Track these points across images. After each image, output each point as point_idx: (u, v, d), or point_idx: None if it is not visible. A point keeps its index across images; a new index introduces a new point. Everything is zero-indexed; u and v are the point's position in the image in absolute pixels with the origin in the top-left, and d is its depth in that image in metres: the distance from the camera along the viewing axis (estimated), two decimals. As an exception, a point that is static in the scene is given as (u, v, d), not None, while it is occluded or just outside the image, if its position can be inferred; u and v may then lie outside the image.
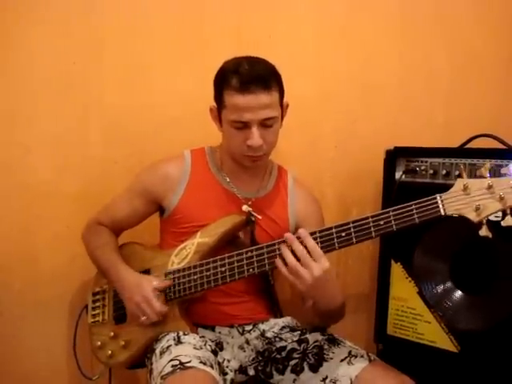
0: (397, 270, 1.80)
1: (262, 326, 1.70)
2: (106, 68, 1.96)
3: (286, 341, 1.65)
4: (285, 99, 1.63)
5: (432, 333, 1.74)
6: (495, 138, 1.75)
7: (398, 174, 1.80)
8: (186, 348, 1.47)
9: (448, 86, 2.08)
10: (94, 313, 1.76)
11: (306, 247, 1.39)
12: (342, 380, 1.47)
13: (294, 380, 1.55)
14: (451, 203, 1.33)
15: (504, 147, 1.73)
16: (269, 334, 1.68)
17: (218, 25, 2.01)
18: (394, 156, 1.81)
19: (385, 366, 1.51)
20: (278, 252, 1.45)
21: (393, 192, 1.79)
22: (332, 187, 2.07)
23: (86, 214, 1.86)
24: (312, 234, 1.42)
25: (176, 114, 1.98)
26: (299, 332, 1.66)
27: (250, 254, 1.49)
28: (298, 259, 1.39)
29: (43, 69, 1.92)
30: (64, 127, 1.95)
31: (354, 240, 1.39)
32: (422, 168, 1.76)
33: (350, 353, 1.53)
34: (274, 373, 1.60)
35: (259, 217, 1.64)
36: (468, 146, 1.82)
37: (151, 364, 1.51)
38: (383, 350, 1.84)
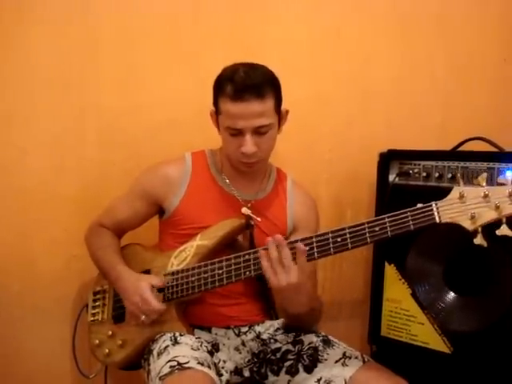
0: (390, 272, 1.82)
1: (257, 328, 1.71)
2: (102, 70, 1.97)
3: (280, 342, 1.66)
4: (283, 106, 1.64)
5: (425, 334, 1.75)
6: (487, 140, 1.77)
7: (391, 177, 1.82)
8: (184, 349, 1.48)
9: (443, 89, 2.09)
10: (93, 311, 1.78)
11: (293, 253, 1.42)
12: (336, 381, 1.48)
13: (289, 381, 1.56)
14: (446, 211, 1.34)
15: (496, 150, 1.75)
16: (264, 336, 1.70)
17: (214, 27, 2.02)
18: (388, 159, 1.83)
19: (379, 367, 1.53)
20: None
21: (386, 195, 1.81)
22: (327, 189, 2.08)
23: (83, 217, 1.87)
24: (308, 238, 1.44)
25: (173, 116, 1.99)
26: (294, 334, 1.67)
27: (247, 256, 1.51)
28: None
29: (40, 70, 1.92)
30: (61, 129, 1.95)
31: (350, 246, 1.41)
32: (416, 171, 1.78)
33: (344, 354, 1.54)
34: (269, 374, 1.61)
35: (258, 219, 1.65)
36: (461, 148, 1.84)
37: (149, 365, 1.53)
38: (377, 352, 1.86)
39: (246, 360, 1.66)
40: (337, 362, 1.52)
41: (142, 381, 1.57)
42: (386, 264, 1.83)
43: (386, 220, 1.38)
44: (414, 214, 1.36)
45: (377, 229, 1.38)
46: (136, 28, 1.98)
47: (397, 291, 1.81)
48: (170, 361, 1.41)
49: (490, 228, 1.31)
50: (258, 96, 1.52)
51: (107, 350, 1.69)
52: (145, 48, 1.99)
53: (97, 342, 1.72)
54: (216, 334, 1.68)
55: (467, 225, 1.31)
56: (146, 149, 1.98)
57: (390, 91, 2.09)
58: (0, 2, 1.87)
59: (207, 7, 2.02)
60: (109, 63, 1.97)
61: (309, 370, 1.55)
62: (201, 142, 1.79)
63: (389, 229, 1.37)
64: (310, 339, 1.62)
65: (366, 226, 1.40)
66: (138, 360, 1.64)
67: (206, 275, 1.56)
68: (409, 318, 1.79)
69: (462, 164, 1.70)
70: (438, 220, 1.34)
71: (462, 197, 1.33)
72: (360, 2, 2.09)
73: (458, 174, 1.62)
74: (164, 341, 1.53)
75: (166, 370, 1.39)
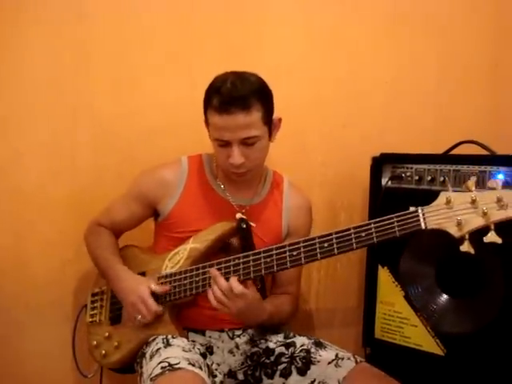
0: (384, 275, 1.83)
1: (251, 331, 1.72)
2: (96, 74, 1.98)
3: (271, 341, 1.68)
4: (276, 113, 1.65)
5: (418, 336, 1.76)
6: (479, 144, 1.78)
7: (384, 180, 1.82)
8: (175, 350, 1.50)
9: (436, 94, 2.10)
10: (92, 313, 1.80)
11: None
12: (329, 382, 1.50)
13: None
14: (432, 217, 1.32)
15: (488, 153, 1.76)
16: (256, 338, 1.71)
17: (209, 30, 2.03)
18: (380, 162, 1.84)
19: (371, 368, 1.54)
20: (263, 260, 1.49)
21: (379, 198, 1.82)
22: (320, 193, 2.09)
23: (77, 220, 1.89)
24: (296, 243, 1.46)
25: (167, 120, 2.00)
26: (283, 334, 1.69)
27: (236, 261, 1.52)
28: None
29: (35, 74, 1.93)
30: (55, 132, 1.96)
31: (336, 251, 1.41)
32: (408, 174, 1.79)
33: (336, 355, 1.55)
34: (264, 377, 1.62)
35: (253, 224, 1.66)
36: (453, 152, 1.85)
37: (141, 367, 1.54)
38: (371, 354, 1.87)
39: (240, 363, 1.68)
40: (330, 363, 1.54)
41: (136, 381, 1.57)
42: (380, 267, 1.83)
43: (372, 226, 1.38)
44: (399, 220, 1.35)
45: (363, 234, 1.38)
46: (130, 32, 1.99)
47: (390, 294, 1.82)
48: (161, 362, 1.43)
49: (480, 231, 1.29)
50: (243, 108, 1.52)
51: (104, 351, 1.71)
52: (139, 52, 2.00)
53: (94, 342, 1.74)
54: (210, 337, 1.69)
55: (454, 231, 1.29)
56: (140, 152, 1.99)
57: (382, 95, 2.10)
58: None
59: (202, 10, 2.03)
60: (103, 67, 1.98)
61: (302, 372, 1.56)
62: (195, 146, 1.80)
63: (374, 235, 1.37)
64: (302, 342, 1.63)
65: (352, 231, 1.40)
66: (133, 362, 1.66)
67: (197, 279, 1.57)
68: (402, 321, 1.80)
69: (453, 167, 1.71)
70: (423, 226, 1.33)
71: (448, 202, 1.31)
72: (354, 5, 2.09)
73: (447, 179, 1.61)
74: (156, 343, 1.55)
75: (157, 371, 1.40)
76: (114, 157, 1.99)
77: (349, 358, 1.54)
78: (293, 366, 1.58)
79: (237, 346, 1.69)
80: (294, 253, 1.45)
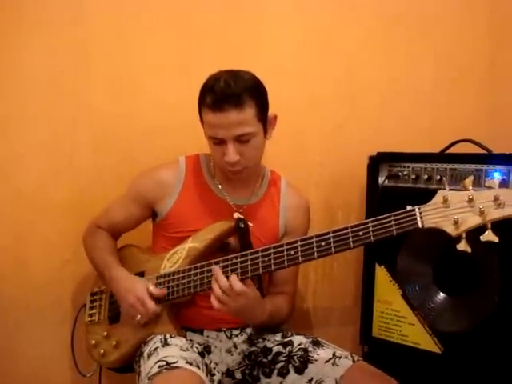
0: (381, 274, 1.83)
1: (249, 330, 1.73)
2: (96, 75, 1.99)
3: (268, 340, 1.68)
4: (271, 110, 1.66)
5: (416, 334, 1.77)
6: (475, 143, 1.79)
7: (381, 179, 1.83)
8: (173, 349, 1.50)
9: (432, 92, 2.10)
10: (90, 312, 1.80)
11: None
12: (327, 381, 1.50)
13: (281, 382, 1.58)
14: (429, 215, 1.32)
15: (484, 152, 1.77)
16: (254, 337, 1.72)
17: (206, 31, 2.04)
18: (377, 161, 1.84)
19: (369, 366, 1.54)
20: (260, 259, 1.49)
21: (376, 197, 1.82)
22: (318, 192, 2.09)
23: (77, 221, 1.90)
24: (294, 242, 1.47)
25: (166, 121, 2.01)
26: (281, 333, 1.69)
27: (234, 260, 1.52)
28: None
29: (34, 75, 1.94)
30: (55, 133, 1.97)
31: (333, 250, 1.42)
32: (405, 173, 1.79)
33: (334, 354, 1.56)
34: (261, 376, 1.63)
35: (250, 224, 1.66)
36: (449, 151, 1.86)
37: (139, 367, 1.55)
38: (369, 352, 1.87)
39: (238, 362, 1.68)
40: (327, 362, 1.54)
41: (135, 381, 1.58)
42: (377, 265, 1.84)
43: (370, 225, 1.38)
44: (397, 219, 1.36)
45: (360, 233, 1.39)
46: (130, 32, 2.00)
47: (387, 292, 1.82)
48: (158, 361, 1.44)
49: (477, 230, 1.29)
50: (235, 106, 1.53)
51: (102, 351, 1.72)
52: (138, 52, 2.01)
53: (93, 342, 1.75)
54: (208, 337, 1.70)
55: (450, 230, 1.29)
56: (139, 153, 1.99)
57: (379, 95, 2.10)
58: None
59: (200, 11, 2.03)
60: (102, 67, 1.99)
61: (300, 371, 1.56)
62: (194, 147, 1.81)
63: (372, 234, 1.37)
64: (300, 340, 1.64)
65: (350, 230, 1.40)
66: (131, 361, 1.66)
67: (195, 278, 1.58)
68: (399, 319, 1.80)
69: (450, 166, 1.72)
70: (420, 225, 1.33)
71: (445, 201, 1.31)
72: (350, 6, 2.10)
73: (444, 178, 1.61)
74: (154, 343, 1.55)
75: (155, 369, 1.41)
76: (114, 157, 2.00)
77: (346, 357, 1.55)
78: (290, 365, 1.59)
79: (235, 346, 1.70)
80: (292, 252, 1.46)
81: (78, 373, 1.85)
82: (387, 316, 1.83)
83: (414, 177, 1.77)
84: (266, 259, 1.49)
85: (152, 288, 1.61)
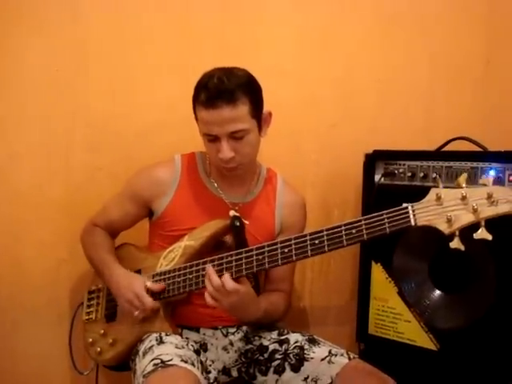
0: (377, 271, 1.84)
1: (245, 328, 1.73)
2: (91, 74, 1.99)
3: (265, 338, 1.69)
4: (266, 108, 1.66)
5: (412, 332, 1.77)
6: (471, 140, 1.79)
7: (377, 177, 1.83)
8: (168, 347, 1.51)
9: (428, 90, 2.10)
10: (88, 310, 1.81)
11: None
12: (322, 379, 1.51)
13: (277, 380, 1.59)
14: (422, 213, 1.32)
15: (480, 149, 1.77)
16: (250, 335, 1.72)
17: (202, 30, 2.04)
18: (373, 159, 1.84)
19: (364, 364, 1.54)
20: (255, 257, 1.50)
21: (372, 195, 1.82)
22: (314, 190, 2.09)
23: (72, 220, 1.90)
24: (287, 240, 1.47)
25: (161, 120, 2.01)
26: (277, 331, 1.70)
27: (229, 258, 1.52)
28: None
29: (30, 74, 1.95)
30: (50, 134, 1.97)
31: (326, 248, 1.42)
32: (401, 171, 1.80)
33: (330, 352, 1.56)
34: (258, 374, 1.64)
35: (246, 222, 1.66)
36: (445, 148, 1.86)
37: (135, 365, 1.55)
38: (365, 350, 1.87)
39: (234, 360, 1.69)
40: (323, 360, 1.54)
41: (131, 378, 1.59)
42: (373, 263, 1.84)
43: (363, 223, 1.38)
44: (390, 217, 1.35)
45: (353, 231, 1.38)
46: (127, 32, 2.00)
47: (384, 290, 1.82)
48: (153, 359, 1.44)
49: (471, 227, 1.29)
50: (229, 102, 1.53)
51: (99, 349, 1.73)
52: (135, 52, 2.01)
53: (90, 340, 1.76)
54: (204, 335, 1.70)
55: (443, 228, 1.29)
56: (134, 152, 2.00)
57: (375, 93, 2.10)
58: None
59: (198, 11, 2.03)
60: (99, 67, 1.99)
61: (296, 369, 1.57)
62: (190, 145, 1.81)
63: (365, 232, 1.37)
64: (296, 338, 1.64)
65: (343, 228, 1.40)
66: (128, 359, 1.67)
67: (191, 276, 1.58)
68: (396, 316, 1.81)
69: (446, 164, 1.72)
70: (413, 223, 1.33)
71: (439, 198, 1.30)
72: (345, 5, 2.10)
73: (437, 176, 1.60)
74: (150, 341, 1.56)
75: (150, 368, 1.41)
76: (110, 156, 2.00)
77: (342, 355, 1.55)
78: (286, 363, 1.59)
79: (231, 343, 1.70)
80: (286, 250, 1.46)
81: (75, 371, 1.86)
82: (383, 313, 1.83)
83: (409, 174, 1.78)
84: (260, 257, 1.49)
85: (150, 283, 1.61)
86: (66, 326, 1.89)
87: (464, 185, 1.30)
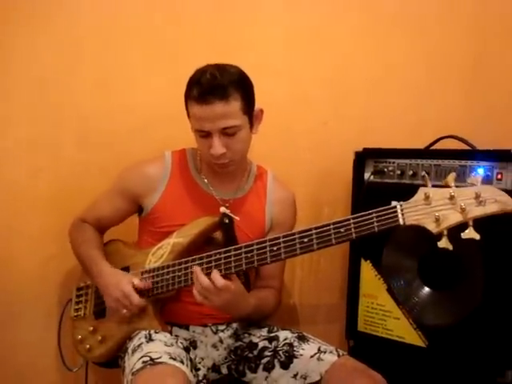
0: (366, 268, 1.84)
1: (235, 325, 1.74)
2: (80, 70, 1.98)
3: (254, 335, 1.69)
4: (258, 105, 1.66)
5: (401, 329, 1.78)
6: (460, 139, 1.80)
7: (366, 175, 1.84)
8: (157, 345, 1.51)
9: (417, 89, 2.10)
10: (76, 307, 1.81)
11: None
12: (312, 376, 1.51)
13: (266, 377, 1.59)
14: (411, 212, 1.32)
15: (468, 148, 1.78)
16: (239, 332, 1.73)
17: (192, 28, 2.03)
18: (363, 157, 1.85)
19: (353, 361, 1.55)
20: (244, 255, 1.50)
21: (362, 192, 1.83)
22: (304, 188, 2.09)
23: (61, 216, 1.90)
24: (276, 238, 1.47)
25: (151, 116, 2.01)
26: (267, 328, 1.70)
27: (218, 256, 1.53)
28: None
29: (18, 71, 1.94)
30: (39, 129, 1.97)
31: (315, 247, 1.42)
32: (390, 169, 1.80)
33: (319, 349, 1.57)
34: (247, 371, 1.64)
35: (237, 218, 1.66)
36: (434, 147, 1.87)
37: (124, 362, 1.55)
38: (354, 347, 1.88)
39: (224, 357, 1.69)
40: (312, 356, 1.55)
41: (121, 375, 1.59)
42: (362, 260, 1.85)
43: (351, 221, 1.38)
44: (378, 216, 1.36)
45: (342, 230, 1.39)
46: (114, 28, 1.99)
47: (373, 287, 1.83)
48: (142, 357, 1.44)
49: (459, 226, 1.30)
50: (221, 98, 1.54)
51: (88, 346, 1.72)
52: (123, 48, 2.00)
53: (79, 337, 1.76)
54: (194, 332, 1.70)
55: (431, 227, 1.29)
56: (124, 148, 1.99)
57: (365, 91, 2.10)
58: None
59: (188, 8, 2.03)
60: (88, 63, 1.98)
61: (285, 366, 1.57)
62: (180, 142, 1.81)
63: (353, 230, 1.38)
64: (285, 335, 1.65)
65: (332, 227, 1.40)
66: (117, 356, 1.67)
67: (180, 273, 1.58)
68: (385, 313, 1.81)
69: (435, 162, 1.73)
70: (401, 222, 1.33)
71: (427, 198, 1.31)
72: (337, 4, 2.10)
73: (426, 175, 1.61)
74: (139, 338, 1.56)
75: (139, 365, 1.41)
76: (98, 153, 2.00)
77: (331, 352, 1.56)
78: (276, 360, 1.60)
79: (220, 341, 1.70)
80: (274, 248, 1.46)
81: (64, 368, 1.86)
82: (372, 310, 1.84)
83: (399, 172, 1.78)
84: (249, 255, 1.49)
85: (137, 281, 1.61)
86: (55, 322, 1.89)
87: (452, 184, 1.30)
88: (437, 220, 1.28)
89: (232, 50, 2.01)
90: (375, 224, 1.35)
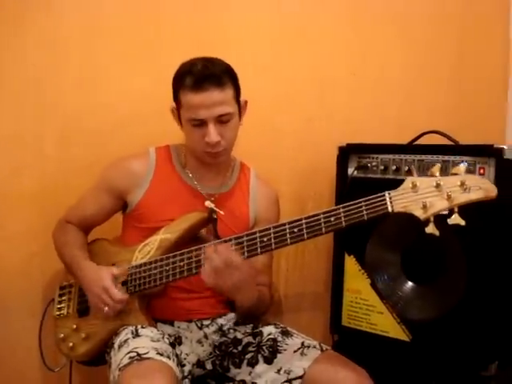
0: (350, 263, 1.86)
1: (220, 321, 1.73)
2: (62, 67, 1.96)
3: (239, 331, 1.69)
4: (242, 97, 1.67)
5: (384, 323, 1.80)
6: (443, 134, 1.82)
7: (350, 170, 1.85)
8: (144, 340, 1.50)
9: (400, 85, 2.13)
10: (59, 306, 1.79)
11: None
12: (295, 370, 1.51)
13: (250, 372, 1.59)
14: (399, 200, 1.36)
15: (451, 143, 1.79)
16: (225, 328, 1.72)
17: (174, 24, 2.03)
18: (347, 153, 1.86)
19: (337, 355, 1.56)
20: (233, 247, 1.49)
21: (346, 187, 1.84)
22: (288, 184, 2.10)
23: (43, 214, 1.88)
24: (266, 230, 1.48)
25: (132, 113, 1.99)
26: (251, 325, 1.70)
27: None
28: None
29: (2, 69, 1.91)
30: (21, 126, 1.94)
31: (305, 236, 1.43)
32: (374, 164, 1.82)
33: (302, 344, 1.57)
34: (231, 367, 1.63)
35: (222, 212, 1.66)
36: (417, 142, 1.88)
37: (110, 358, 1.54)
38: (339, 341, 1.90)
39: (208, 353, 1.68)
40: (295, 351, 1.55)
41: (106, 374, 1.57)
42: (346, 255, 1.87)
43: (341, 210, 1.41)
44: (367, 204, 1.38)
45: (332, 219, 1.41)
46: (95, 27, 1.97)
47: (357, 282, 1.85)
48: (129, 352, 1.43)
49: (442, 216, 1.33)
50: (217, 85, 1.56)
51: (71, 344, 1.70)
52: (104, 45, 1.99)
53: (62, 335, 1.73)
54: (178, 328, 1.69)
55: (419, 214, 1.33)
56: (107, 145, 1.97)
57: (348, 88, 2.12)
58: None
59: (168, 6, 2.02)
60: (68, 61, 1.96)
61: (269, 361, 1.58)
62: (162, 138, 1.81)
63: (343, 219, 1.40)
64: (269, 331, 1.65)
65: (322, 216, 1.42)
66: (101, 354, 1.66)
67: (167, 267, 1.58)
68: (368, 308, 1.83)
69: (418, 157, 1.75)
70: (390, 209, 1.36)
71: (414, 186, 1.34)
72: (319, 2, 2.11)
73: (412, 166, 1.64)
74: (125, 334, 1.55)
75: (126, 361, 1.41)
76: (80, 150, 1.98)
77: (314, 347, 1.56)
78: (259, 355, 1.60)
79: (205, 336, 1.69)
80: (265, 239, 1.47)
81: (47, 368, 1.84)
82: (356, 305, 1.85)
83: (382, 168, 1.80)
84: (239, 247, 1.49)
85: (115, 269, 1.61)
86: (38, 321, 1.86)
87: (437, 174, 1.34)
88: (424, 207, 1.32)
89: (215, 48, 1.96)
90: (364, 212, 1.38)
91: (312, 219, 1.43)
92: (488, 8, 2.06)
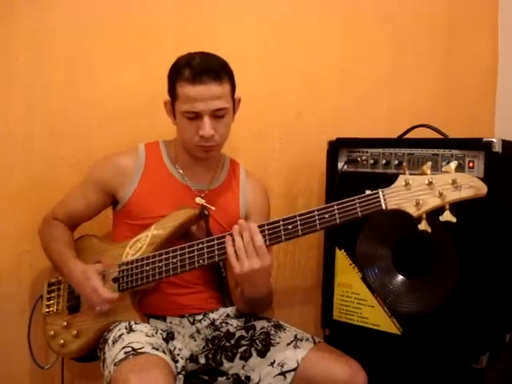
0: (341, 257, 1.87)
1: (212, 315, 1.73)
2: (50, 64, 1.94)
3: (231, 325, 1.70)
4: (237, 94, 1.68)
5: (375, 317, 1.81)
6: (432, 128, 1.83)
7: (340, 165, 1.86)
8: (138, 335, 1.50)
9: (390, 79, 2.14)
10: (48, 303, 1.77)
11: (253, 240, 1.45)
12: (288, 363, 1.53)
13: (243, 366, 1.60)
14: (392, 198, 1.38)
15: (440, 137, 1.81)
16: (217, 322, 1.73)
17: (162, 21, 2.02)
18: (337, 147, 1.87)
19: (329, 347, 1.58)
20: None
21: (336, 182, 1.85)
22: (278, 178, 2.11)
23: (32, 211, 1.86)
24: (261, 226, 1.48)
25: (121, 109, 1.98)
26: (244, 319, 1.71)
27: (201, 245, 1.52)
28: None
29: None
30: (8, 124, 1.91)
31: (300, 232, 1.45)
32: (363, 158, 1.83)
33: (295, 337, 1.58)
34: (224, 361, 1.64)
35: (212, 208, 1.67)
36: (407, 136, 1.89)
37: (104, 354, 1.53)
38: (330, 335, 1.90)
39: (201, 347, 1.69)
40: (289, 344, 1.56)
41: (98, 371, 1.58)
42: (337, 250, 1.87)
43: (335, 207, 1.42)
44: (361, 202, 1.40)
45: (326, 216, 1.42)
46: (83, 23, 1.95)
47: (348, 276, 1.86)
48: (124, 347, 1.43)
49: (434, 212, 1.35)
50: (216, 79, 1.57)
51: (62, 341, 1.69)
52: (92, 42, 1.96)
53: (52, 333, 1.72)
54: (171, 323, 1.69)
55: (412, 211, 1.35)
56: (95, 141, 1.96)
57: (338, 81, 2.13)
58: None
59: (155, 1, 2.01)
60: (56, 58, 1.94)
61: (262, 354, 1.58)
62: (150, 134, 1.81)
63: (337, 216, 1.41)
64: (262, 324, 1.66)
65: (316, 213, 1.43)
66: (93, 350, 1.65)
67: (160, 264, 1.57)
68: (360, 302, 1.84)
69: (408, 151, 1.76)
70: (384, 207, 1.38)
71: (407, 184, 1.37)
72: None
73: (404, 163, 1.65)
74: (119, 329, 1.55)
75: (121, 356, 1.40)
76: (69, 147, 1.95)
77: (307, 339, 1.58)
78: (252, 349, 1.60)
79: (198, 331, 1.70)
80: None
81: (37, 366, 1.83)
82: (347, 299, 1.86)
83: (372, 162, 1.81)
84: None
85: (99, 266, 1.61)
86: (27, 318, 1.85)
87: (428, 172, 1.37)
88: (417, 204, 1.35)
89: (201, 41, 1.98)
90: (358, 209, 1.40)
91: (306, 216, 1.44)
92: (475, 2, 2.07)
